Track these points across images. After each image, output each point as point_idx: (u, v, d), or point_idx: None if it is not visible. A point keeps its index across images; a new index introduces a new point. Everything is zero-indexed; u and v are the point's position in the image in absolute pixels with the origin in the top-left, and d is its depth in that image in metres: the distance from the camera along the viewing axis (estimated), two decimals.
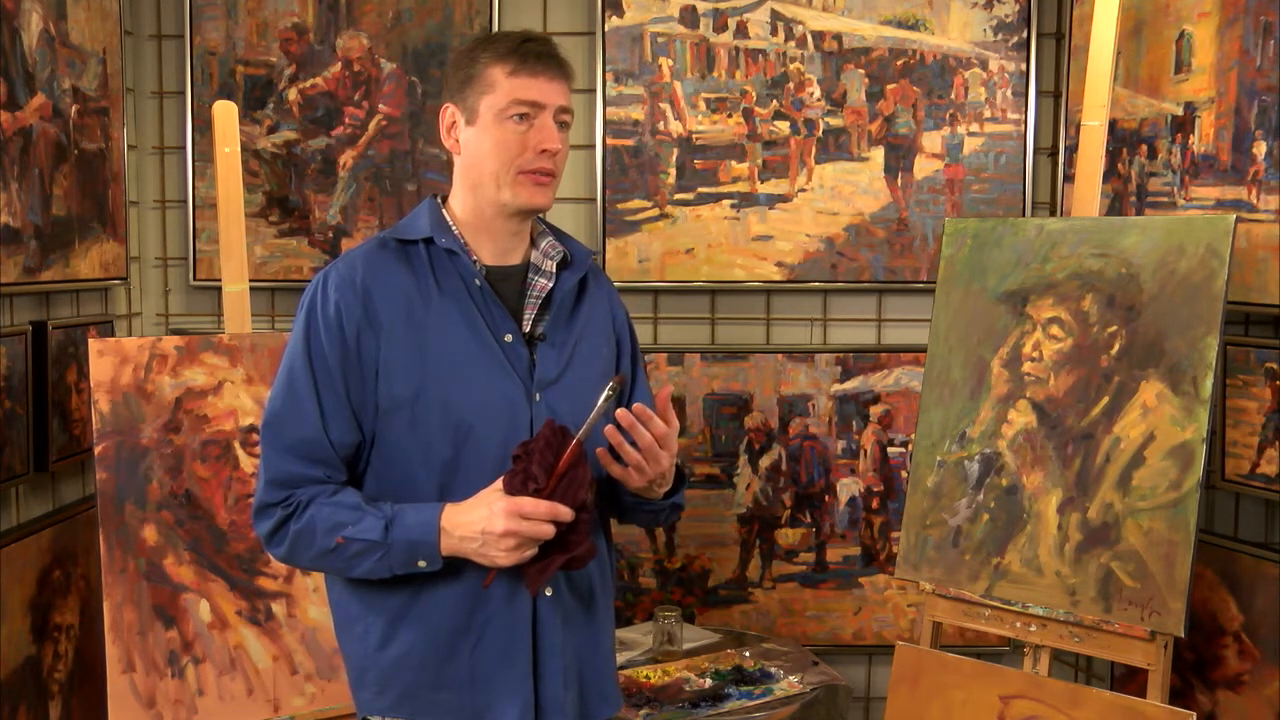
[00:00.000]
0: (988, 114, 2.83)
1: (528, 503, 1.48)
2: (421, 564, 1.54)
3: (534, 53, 1.58)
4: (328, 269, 1.64)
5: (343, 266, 1.62)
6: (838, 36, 2.82)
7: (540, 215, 1.72)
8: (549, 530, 1.49)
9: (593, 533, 1.58)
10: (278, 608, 2.26)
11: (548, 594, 1.60)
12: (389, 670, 1.61)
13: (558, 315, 1.66)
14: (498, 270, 1.65)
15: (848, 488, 2.89)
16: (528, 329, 1.64)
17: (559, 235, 1.73)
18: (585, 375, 1.65)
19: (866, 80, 2.83)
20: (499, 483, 1.52)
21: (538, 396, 1.60)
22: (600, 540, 1.68)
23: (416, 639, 1.59)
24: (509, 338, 1.61)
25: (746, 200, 2.85)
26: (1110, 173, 2.49)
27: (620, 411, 1.53)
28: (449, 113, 1.64)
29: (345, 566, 1.57)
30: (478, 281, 1.61)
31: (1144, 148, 2.46)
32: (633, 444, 1.55)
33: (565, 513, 1.49)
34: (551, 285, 1.66)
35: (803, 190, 2.85)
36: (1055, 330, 2.10)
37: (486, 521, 1.49)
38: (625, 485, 1.61)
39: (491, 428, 1.56)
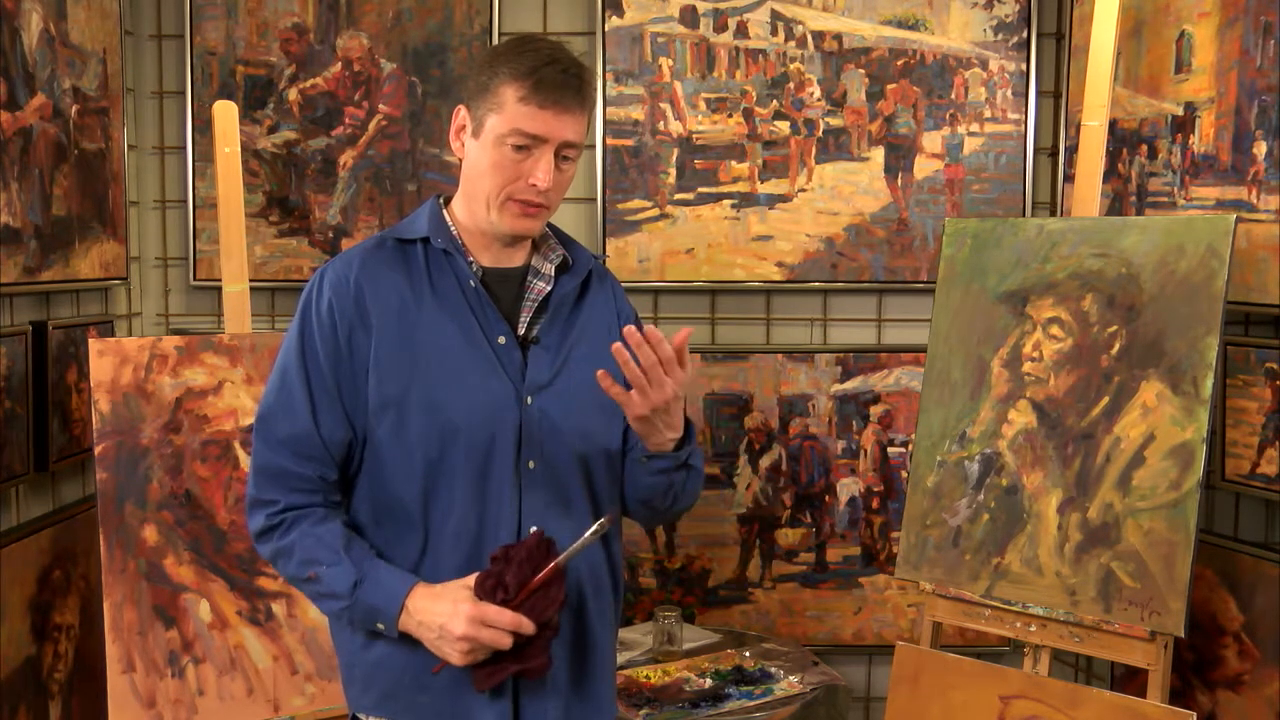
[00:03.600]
0: (988, 114, 2.83)
1: (492, 611, 1.47)
2: (380, 627, 1.55)
3: (549, 81, 1.52)
4: (325, 266, 1.64)
5: (339, 264, 1.62)
6: (838, 36, 2.82)
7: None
8: (507, 642, 1.48)
9: (553, 648, 1.56)
10: (278, 608, 2.26)
11: None
12: (372, 669, 1.62)
13: (554, 318, 1.65)
14: (496, 272, 1.65)
15: (848, 488, 2.89)
16: (522, 332, 1.63)
17: (563, 239, 1.72)
18: (582, 378, 1.64)
19: (866, 80, 2.83)
20: (471, 580, 1.51)
21: (529, 400, 1.59)
22: (597, 547, 1.67)
23: (398, 640, 1.59)
24: (502, 340, 1.60)
25: (746, 200, 2.85)
26: (1110, 173, 2.49)
27: (628, 329, 1.49)
28: (460, 115, 1.62)
29: (313, 598, 1.60)
30: (472, 283, 1.61)
31: (1144, 148, 2.46)
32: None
33: (528, 626, 1.48)
34: (550, 289, 1.66)
35: (803, 190, 2.85)
36: (1055, 330, 2.10)
37: (448, 619, 1.48)
38: (627, 411, 1.55)
39: (479, 429, 1.56)
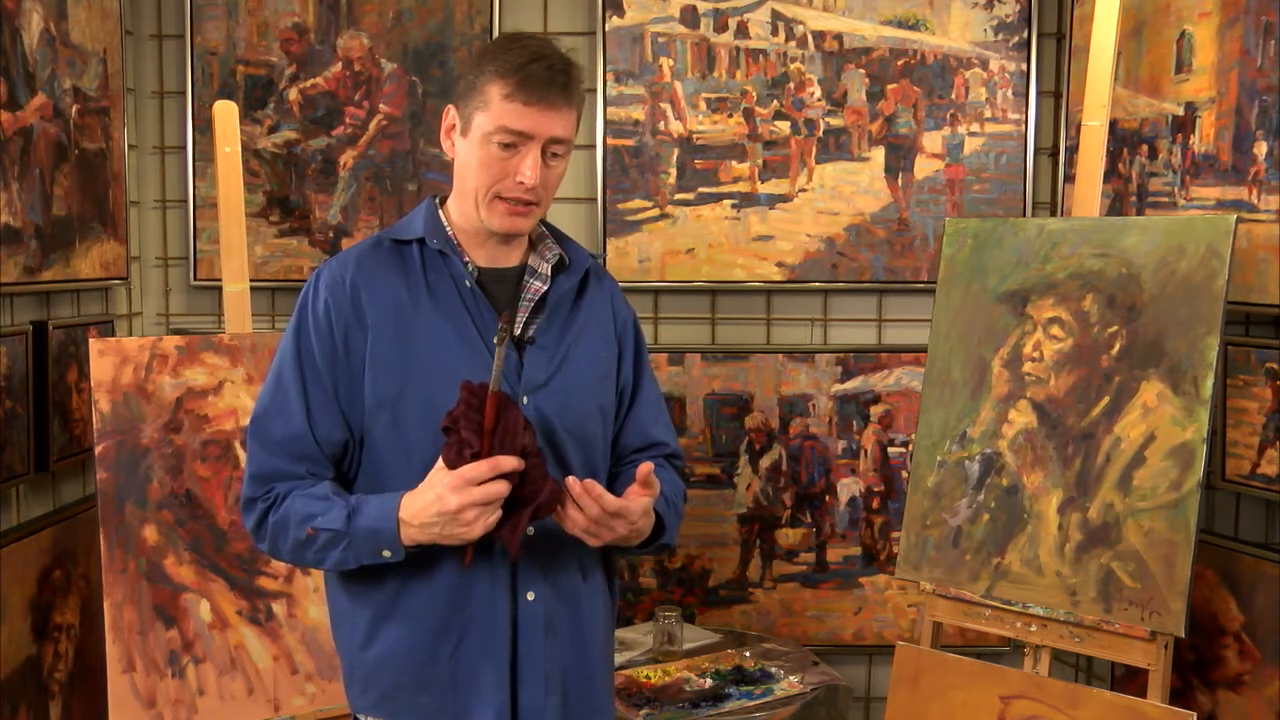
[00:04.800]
0: (988, 114, 2.83)
1: (469, 469, 1.44)
2: (386, 554, 1.52)
3: (535, 78, 1.52)
4: (321, 267, 1.64)
5: (335, 265, 1.62)
6: (838, 36, 2.82)
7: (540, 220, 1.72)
8: (503, 487, 1.46)
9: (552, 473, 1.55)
10: (278, 607, 2.26)
11: (529, 598, 1.59)
12: (371, 670, 1.61)
13: (551, 318, 1.65)
14: (492, 272, 1.64)
15: (848, 488, 2.89)
16: (519, 332, 1.63)
17: (559, 238, 1.72)
18: (578, 379, 1.64)
19: (867, 80, 2.83)
20: (440, 461, 1.49)
21: (525, 399, 1.59)
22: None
23: (398, 640, 1.59)
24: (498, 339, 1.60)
25: (747, 200, 2.85)
26: (1111, 173, 2.49)
27: (570, 480, 1.50)
28: (450, 115, 1.62)
29: (317, 559, 1.56)
30: (468, 283, 1.61)
31: (1144, 148, 2.46)
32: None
33: (510, 462, 1.46)
34: (546, 288, 1.66)
35: (803, 190, 2.85)
36: (1056, 330, 2.10)
37: (439, 503, 1.46)
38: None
39: None
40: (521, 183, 1.55)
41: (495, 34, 2.80)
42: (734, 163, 2.85)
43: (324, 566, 1.59)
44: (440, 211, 1.67)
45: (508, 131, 1.53)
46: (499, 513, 1.48)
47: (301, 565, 1.65)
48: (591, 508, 1.50)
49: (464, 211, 1.62)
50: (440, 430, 1.49)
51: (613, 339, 1.73)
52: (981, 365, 2.18)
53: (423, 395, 1.56)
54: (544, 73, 1.53)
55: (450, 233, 1.64)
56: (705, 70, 2.84)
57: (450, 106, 1.62)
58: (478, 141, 1.56)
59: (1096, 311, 2.06)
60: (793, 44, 2.83)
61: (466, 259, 1.63)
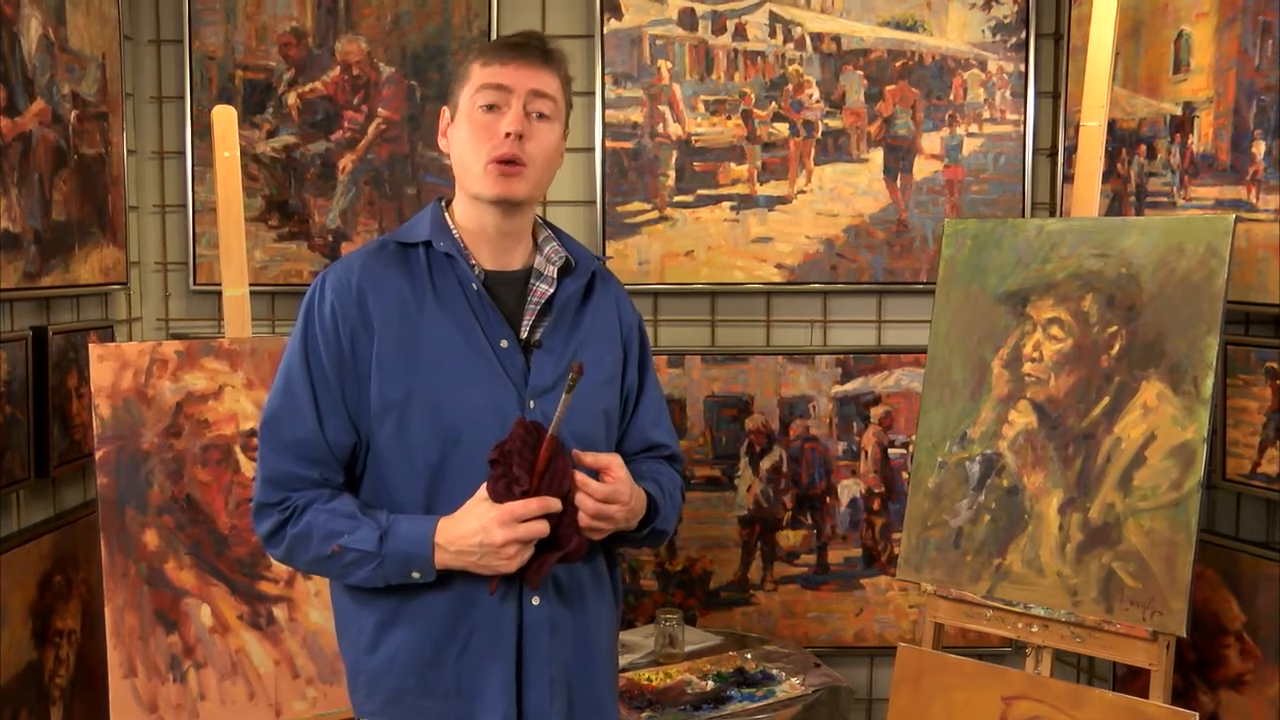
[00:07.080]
0: (987, 115, 2.83)
1: (518, 506, 1.48)
2: (416, 575, 1.54)
3: (510, 43, 1.60)
4: (326, 271, 1.64)
5: (340, 268, 1.62)
6: (836, 38, 2.83)
7: (541, 219, 1.72)
8: (545, 527, 1.50)
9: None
10: (279, 612, 2.26)
11: (534, 603, 1.59)
12: (376, 674, 1.61)
13: (558, 322, 1.65)
14: (498, 275, 1.64)
15: (849, 489, 2.89)
16: (525, 335, 1.63)
17: (564, 240, 1.72)
18: (585, 382, 1.64)
19: (865, 81, 2.83)
20: (483, 491, 1.51)
21: (532, 404, 1.59)
22: (596, 546, 1.67)
23: (403, 644, 1.59)
24: (504, 343, 1.60)
25: (746, 202, 2.85)
26: (1110, 173, 2.50)
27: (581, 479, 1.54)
28: (444, 115, 1.66)
29: (341, 573, 1.58)
30: (475, 286, 1.61)
31: (1143, 148, 2.46)
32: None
33: (555, 503, 1.50)
34: (552, 291, 1.66)
35: (802, 192, 2.85)
36: (1055, 331, 2.10)
37: (483, 534, 1.49)
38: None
39: (481, 434, 1.55)
40: (507, 135, 1.56)
41: (494, 37, 2.80)
42: (733, 165, 2.85)
43: (346, 581, 1.60)
44: (445, 214, 1.67)
45: (488, 89, 1.58)
46: (532, 550, 1.51)
47: (318, 575, 1.67)
48: (587, 504, 1.53)
49: (467, 209, 1.63)
50: (487, 461, 1.51)
51: (618, 343, 1.73)
52: (981, 366, 2.18)
53: (429, 399, 1.56)
54: (520, 39, 1.62)
55: (456, 235, 1.64)
56: (703, 72, 2.84)
57: (444, 108, 1.66)
58: (465, 116, 1.60)
59: (1096, 311, 2.06)
60: (791, 46, 2.83)
61: (473, 262, 1.63)
